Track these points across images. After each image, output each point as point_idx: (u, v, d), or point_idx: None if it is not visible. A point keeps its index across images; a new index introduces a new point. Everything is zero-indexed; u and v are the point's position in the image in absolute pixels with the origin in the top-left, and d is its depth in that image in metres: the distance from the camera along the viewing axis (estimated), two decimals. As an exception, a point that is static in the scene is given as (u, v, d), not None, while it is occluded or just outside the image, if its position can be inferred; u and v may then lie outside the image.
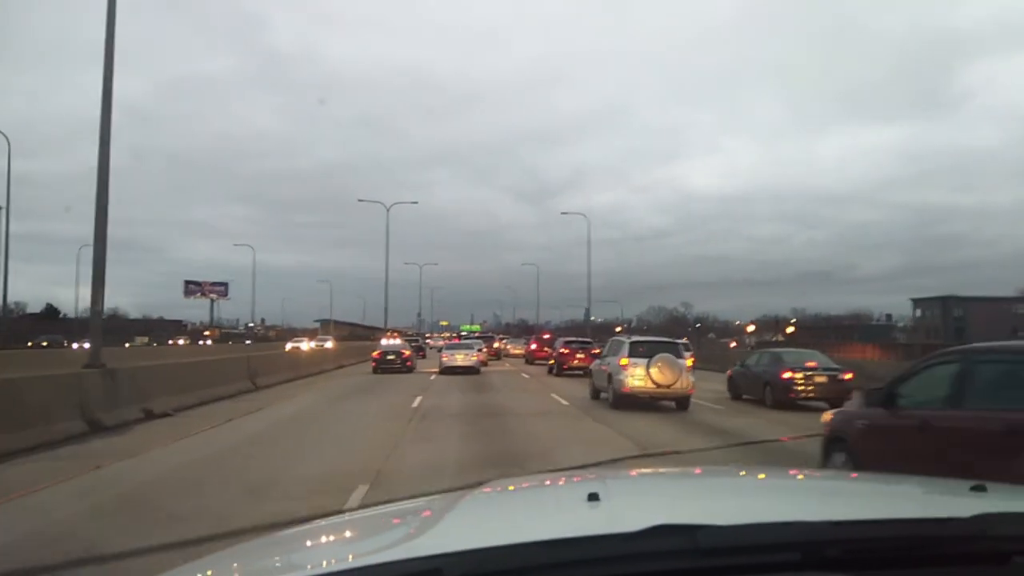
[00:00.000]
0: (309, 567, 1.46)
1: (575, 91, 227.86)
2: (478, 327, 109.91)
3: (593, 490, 1.63)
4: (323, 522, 2.20)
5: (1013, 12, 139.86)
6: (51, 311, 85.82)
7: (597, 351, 26.50)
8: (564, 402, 18.36)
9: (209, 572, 1.62)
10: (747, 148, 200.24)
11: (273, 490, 7.62)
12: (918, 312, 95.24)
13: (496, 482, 2.40)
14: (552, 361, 32.64)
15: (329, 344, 50.23)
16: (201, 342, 77.37)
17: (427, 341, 77.52)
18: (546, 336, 47.49)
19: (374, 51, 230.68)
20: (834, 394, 17.94)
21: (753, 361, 20.62)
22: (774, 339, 72.47)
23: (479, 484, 2.31)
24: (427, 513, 1.85)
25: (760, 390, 19.05)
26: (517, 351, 51.32)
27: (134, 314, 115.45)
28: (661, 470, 4.54)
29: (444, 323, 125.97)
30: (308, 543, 1.87)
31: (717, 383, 23.40)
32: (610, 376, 17.55)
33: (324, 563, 1.47)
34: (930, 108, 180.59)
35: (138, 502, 7.28)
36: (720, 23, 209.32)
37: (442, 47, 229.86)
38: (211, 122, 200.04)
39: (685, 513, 1.47)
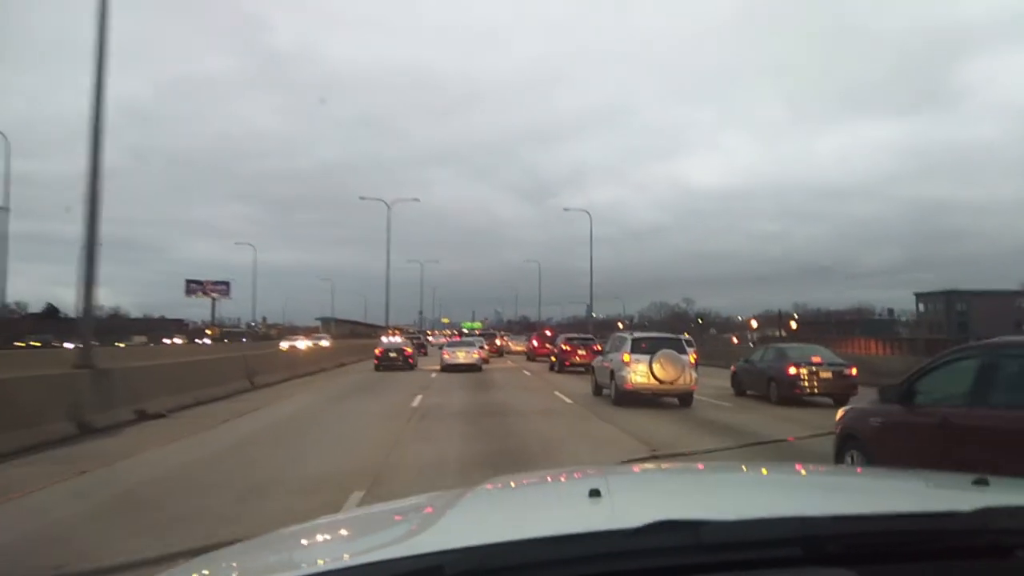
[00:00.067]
0: (311, 565, 1.44)
1: (575, 90, 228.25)
2: (479, 324, 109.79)
3: (594, 486, 1.62)
4: (324, 520, 2.15)
5: (1012, 8, 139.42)
6: (51, 311, 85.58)
7: (599, 347, 26.35)
8: (568, 400, 18.04)
9: (206, 572, 1.60)
10: (747, 145, 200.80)
11: (263, 497, 7.29)
12: (921, 306, 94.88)
13: (497, 479, 2.33)
14: (553, 358, 32.42)
15: (326, 343, 49.44)
16: (198, 341, 76.97)
17: (428, 339, 77.31)
18: (548, 333, 47.20)
19: (374, 51, 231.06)
20: (839, 390, 17.86)
21: (757, 357, 20.37)
22: (777, 334, 72.14)
23: (481, 482, 2.20)
24: (429, 510, 1.82)
25: (764, 386, 18.82)
26: (519, 348, 51.15)
27: (135, 313, 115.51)
28: (663, 465, 4.47)
29: (445, 320, 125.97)
30: (309, 541, 1.85)
31: (720, 379, 23.17)
32: (612, 373, 17.43)
33: (326, 561, 1.44)
34: (931, 103, 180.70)
35: (120, 510, 6.91)
36: (720, 21, 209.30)
37: (442, 47, 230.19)
38: (212, 122, 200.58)
39: (687, 508, 1.49)
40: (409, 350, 33.01)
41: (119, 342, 65.78)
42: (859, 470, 4.54)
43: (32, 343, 49.37)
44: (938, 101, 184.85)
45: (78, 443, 10.50)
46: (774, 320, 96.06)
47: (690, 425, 13.70)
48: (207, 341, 73.21)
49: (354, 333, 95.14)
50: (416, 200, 62.18)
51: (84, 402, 11.46)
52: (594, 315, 66.17)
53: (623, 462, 8.69)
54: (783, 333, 67.74)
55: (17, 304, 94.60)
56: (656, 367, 16.40)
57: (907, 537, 1.31)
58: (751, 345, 55.31)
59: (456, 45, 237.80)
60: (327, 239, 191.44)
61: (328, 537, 1.89)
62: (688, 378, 16.71)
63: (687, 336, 29.44)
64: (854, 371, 18.21)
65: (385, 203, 57.42)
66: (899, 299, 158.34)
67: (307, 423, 13.61)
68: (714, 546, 1.20)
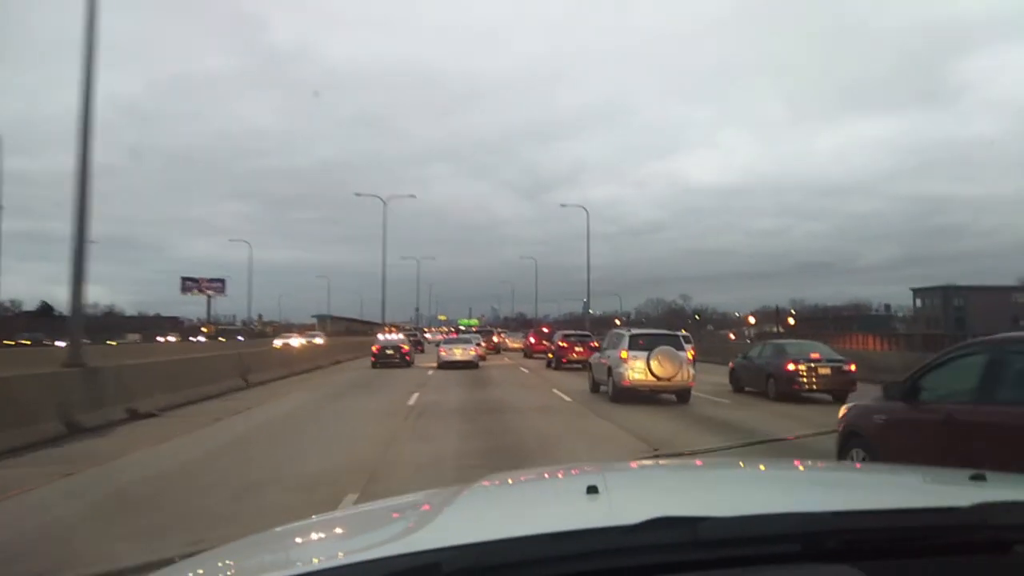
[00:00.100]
0: (307, 563, 1.41)
1: (574, 88, 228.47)
2: (476, 321, 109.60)
3: (592, 483, 1.61)
4: (320, 518, 2.12)
5: (1010, 5, 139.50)
6: (46, 309, 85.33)
7: (596, 344, 26.25)
8: (566, 397, 17.85)
9: (200, 571, 1.58)
10: (746, 143, 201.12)
11: (256, 497, 7.10)
12: (918, 302, 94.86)
13: (494, 476, 2.31)
14: (551, 355, 32.33)
15: (319, 340, 48.97)
16: (193, 339, 76.62)
17: (425, 336, 77.13)
18: (545, 330, 47.11)
19: (373, 49, 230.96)
20: (838, 386, 17.81)
21: (755, 353, 20.27)
22: (774, 330, 72.09)
23: (478, 467, 2.06)
24: (426, 507, 1.81)
25: (763, 382, 18.73)
26: (515, 345, 51.09)
27: (131, 311, 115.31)
28: (660, 462, 4.42)
29: (442, 317, 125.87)
30: (305, 539, 1.84)
31: (717, 375, 23.06)
32: (610, 369, 17.38)
33: (322, 558, 1.43)
34: (929, 101, 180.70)
35: (105, 514, 6.65)
36: (719, 19, 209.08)
37: (442, 45, 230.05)
38: (210, 121, 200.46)
39: (685, 505, 1.51)
40: (406, 347, 32.98)
41: (112, 340, 65.47)
42: (857, 465, 4.46)
43: (22, 341, 48.53)
44: (936, 98, 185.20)
45: (67, 443, 10.29)
46: (771, 316, 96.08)
47: (689, 422, 13.57)
48: (201, 339, 72.87)
49: (350, 330, 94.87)
50: (412, 197, 61.52)
51: (73, 401, 11.25)
52: (591, 312, 66.08)
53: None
54: (780, 329, 67.67)
55: (12, 302, 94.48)
56: (654, 364, 16.34)
57: (906, 533, 1.31)
58: (748, 341, 55.25)
59: (456, 43, 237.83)
60: (324, 237, 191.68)
61: (324, 535, 1.87)
62: (686, 375, 16.64)
63: (685, 333, 29.32)
64: (853, 367, 18.11)
65: (381, 199, 57.18)
66: (896, 295, 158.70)
67: (300, 422, 13.42)
68: (712, 542, 1.19)
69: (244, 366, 21.08)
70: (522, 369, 30.38)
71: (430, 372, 27.36)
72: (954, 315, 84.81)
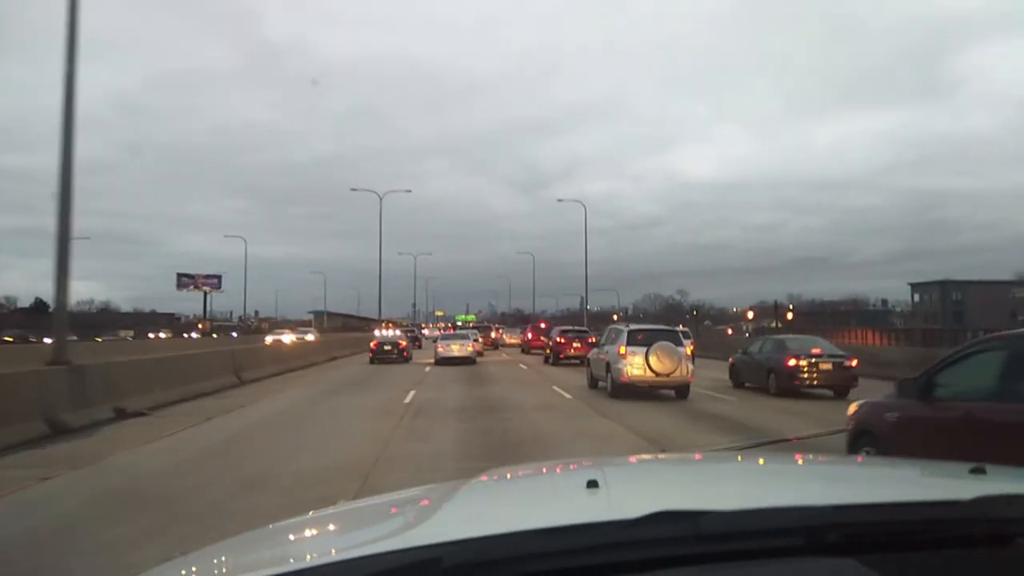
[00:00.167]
0: (306, 558, 1.38)
1: (570, 82, 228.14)
2: (473, 317, 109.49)
3: (592, 477, 1.59)
4: (318, 514, 2.07)
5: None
6: (40, 305, 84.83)
7: (593, 340, 26.06)
8: (566, 394, 17.50)
9: (194, 568, 1.56)
10: (742, 137, 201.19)
11: (242, 505, 6.71)
12: (916, 297, 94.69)
13: (494, 471, 2.28)
14: (548, 350, 32.15)
15: (311, 337, 48.40)
16: (186, 335, 76.15)
17: (423, 331, 76.87)
18: (542, 325, 46.91)
19: (369, 43, 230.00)
20: (839, 381, 17.68)
21: (756, 348, 20.04)
22: (772, 325, 71.88)
23: (477, 469, 2.07)
24: (425, 502, 1.80)
25: (763, 378, 18.53)
26: (513, 340, 50.92)
27: (126, 308, 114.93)
28: (660, 456, 4.24)
29: (439, 313, 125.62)
30: (303, 534, 1.82)
31: (716, 371, 22.86)
32: (608, 365, 17.26)
33: (322, 553, 1.42)
34: (926, 94, 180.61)
35: (75, 526, 6.20)
36: (715, 13, 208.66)
37: (437, 39, 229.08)
38: (206, 116, 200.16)
39: (685, 499, 1.47)
40: (404, 343, 33.40)
41: (102, 336, 65.02)
42: (859, 459, 4.35)
43: (5, 338, 47.28)
44: (934, 93, 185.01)
45: (49, 445, 9.96)
46: (769, 311, 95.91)
47: (693, 419, 13.31)
48: (195, 335, 72.41)
49: (347, 326, 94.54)
50: (408, 191, 61.55)
51: (57, 400, 10.92)
52: (588, 307, 65.88)
53: None
54: (779, 324, 67.46)
55: (7, 299, 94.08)
56: (653, 359, 16.27)
57: (907, 526, 1.31)
58: (747, 336, 55.10)
59: (451, 37, 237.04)
60: (321, 232, 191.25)
61: (323, 531, 1.86)
62: (685, 370, 16.55)
63: (684, 328, 29.12)
64: (854, 362, 17.88)
65: (376, 194, 56.80)
66: (893, 289, 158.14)
67: (290, 423, 13.00)
68: (714, 536, 1.19)
69: (237, 363, 20.78)
70: (520, 365, 30.12)
71: (427, 368, 27.10)
72: (952, 309, 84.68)
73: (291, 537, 1.78)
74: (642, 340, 16.63)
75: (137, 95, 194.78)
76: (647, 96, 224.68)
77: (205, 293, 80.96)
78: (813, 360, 17.50)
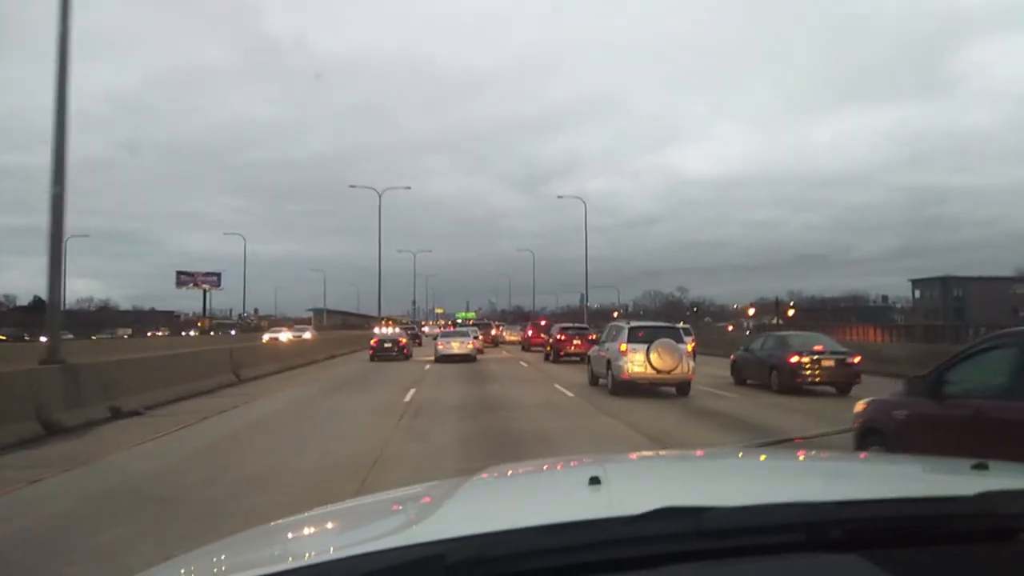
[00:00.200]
0: (309, 555, 1.38)
1: (570, 80, 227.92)
2: (473, 314, 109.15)
3: (594, 474, 1.59)
4: (320, 511, 2.04)
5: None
6: (39, 304, 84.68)
7: (594, 337, 25.98)
8: (568, 393, 17.29)
9: (195, 566, 1.54)
10: (741, 133, 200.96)
11: (230, 511, 6.40)
12: (917, 293, 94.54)
13: (495, 467, 2.22)
14: (548, 348, 32.04)
15: (308, 335, 47.99)
16: (184, 333, 75.86)
17: (423, 329, 76.74)
18: (542, 322, 46.80)
19: (369, 40, 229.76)
20: (842, 378, 17.57)
21: (758, 345, 19.92)
22: (772, 322, 71.77)
23: (478, 471, 2.07)
24: (426, 499, 1.79)
25: (765, 375, 18.40)
26: (513, 338, 50.79)
27: (126, 306, 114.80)
28: (661, 453, 4.37)
29: (439, 310, 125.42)
30: (306, 531, 1.81)
31: (717, 368, 22.76)
32: (609, 362, 17.21)
33: (323, 551, 1.41)
34: (926, 91, 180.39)
35: (65, 529, 5.98)
36: (714, 9, 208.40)
37: (436, 35, 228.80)
38: (205, 113, 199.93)
39: (687, 495, 1.48)
40: (404, 340, 33.59)
41: (101, 334, 64.74)
42: (861, 456, 4.26)
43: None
44: (934, 89, 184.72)
45: (42, 445, 9.79)
46: (769, 308, 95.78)
47: (697, 417, 13.18)
48: (192, 333, 72.13)
49: (347, 324, 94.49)
50: (407, 188, 61.27)
51: (51, 400, 10.75)
52: (588, 304, 65.74)
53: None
54: (780, 321, 67.36)
55: (6, 297, 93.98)
56: (654, 356, 16.24)
57: (910, 522, 1.30)
58: (747, 333, 54.96)
59: (451, 34, 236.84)
60: (320, 230, 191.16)
61: (325, 527, 1.85)
62: (686, 367, 16.53)
63: (685, 325, 29.00)
64: (857, 359, 17.73)
65: (375, 191, 56.67)
66: (892, 286, 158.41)
67: (287, 423, 12.77)
68: (716, 532, 1.18)
69: (235, 361, 20.62)
70: (521, 363, 29.99)
71: (427, 366, 26.96)
72: (953, 306, 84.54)
73: (293, 534, 1.77)
74: (643, 337, 16.59)
75: (136, 93, 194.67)
76: (647, 93, 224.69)
77: (204, 291, 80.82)
78: (815, 357, 17.40)
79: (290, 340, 39.00)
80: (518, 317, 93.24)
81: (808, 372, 17.26)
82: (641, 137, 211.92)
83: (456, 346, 30.13)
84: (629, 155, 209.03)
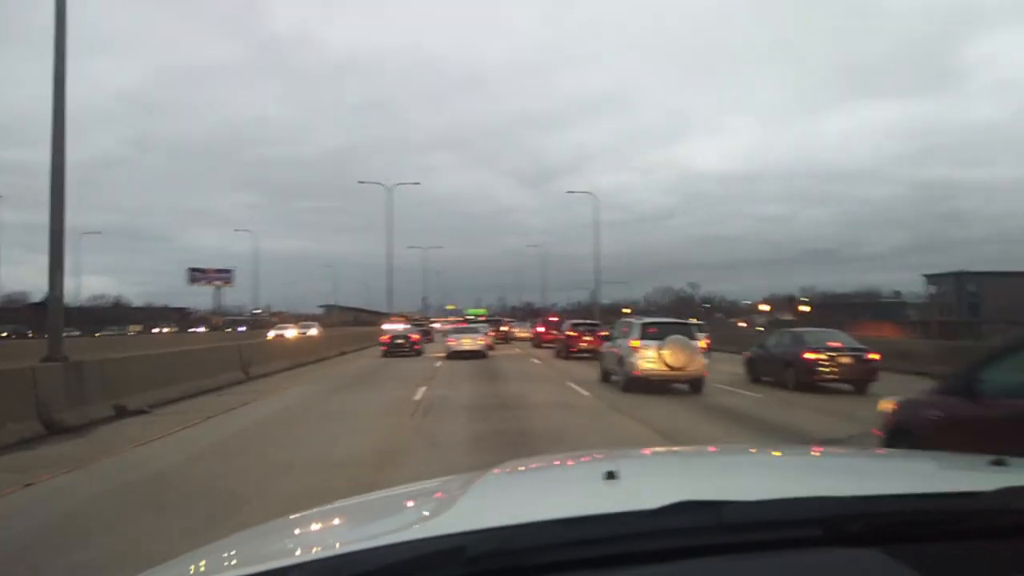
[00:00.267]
0: (328, 547, 1.37)
1: (578, 73, 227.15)
2: (484, 311, 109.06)
3: (608, 468, 1.57)
4: (336, 504, 2.00)
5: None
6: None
7: (605, 333, 25.76)
8: (583, 391, 16.81)
9: (217, 557, 1.50)
10: (752, 127, 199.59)
11: (229, 521, 5.88)
12: (931, 288, 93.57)
13: (507, 464, 2.20)
14: (559, 344, 31.77)
15: (313, 332, 47.63)
16: (192, 330, 75.94)
17: (434, 325, 76.68)
18: (553, 319, 46.49)
19: (377, 35, 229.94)
20: (860, 375, 17.23)
21: (773, 342, 19.55)
22: (786, 318, 71.29)
23: (489, 467, 2.03)
24: (439, 495, 1.79)
25: (781, 372, 18.06)
26: (523, 334, 50.51)
27: (138, 302, 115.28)
28: (675, 448, 4.28)
29: (450, 307, 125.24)
30: (325, 523, 1.81)
31: (730, 364, 22.50)
32: (621, 359, 17.00)
33: (344, 543, 1.37)
34: (936, 83, 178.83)
35: (53, 540, 5.62)
36: (724, 3, 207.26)
37: (445, 31, 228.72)
38: (214, 110, 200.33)
39: (705, 490, 1.47)
40: (416, 336, 33.86)
41: (112, 331, 64.90)
42: (878, 451, 4.07)
43: (1, 334, 45.75)
44: (945, 81, 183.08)
45: (42, 445, 9.58)
46: (782, 304, 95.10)
47: (715, 416, 12.88)
48: (201, 329, 72.19)
49: (358, 320, 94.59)
50: (416, 184, 60.63)
51: (53, 398, 10.55)
52: (599, 300, 65.42)
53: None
54: (793, 317, 66.83)
55: (19, 294, 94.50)
56: (666, 353, 16.05)
57: (929, 517, 1.29)
58: (759, 329, 54.47)
59: (458, 28, 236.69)
60: (330, 226, 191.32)
61: (345, 520, 1.84)
62: (698, 364, 16.36)
63: (699, 321, 28.69)
64: (875, 355, 17.34)
65: (384, 186, 56.59)
66: (905, 281, 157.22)
67: (294, 422, 12.42)
68: (737, 526, 1.18)
69: (244, 358, 20.46)
70: (533, 360, 29.71)
71: (438, 363, 26.72)
72: (968, 301, 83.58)
73: (314, 526, 1.78)
74: (655, 334, 16.42)
75: (147, 90, 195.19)
76: (656, 88, 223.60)
77: (216, 288, 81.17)
78: (832, 353, 17.05)
79: (295, 337, 39.03)
80: (528, 313, 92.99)
81: (825, 369, 16.91)
82: (651, 132, 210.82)
83: (467, 343, 29.96)
84: (639, 150, 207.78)
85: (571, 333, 30.53)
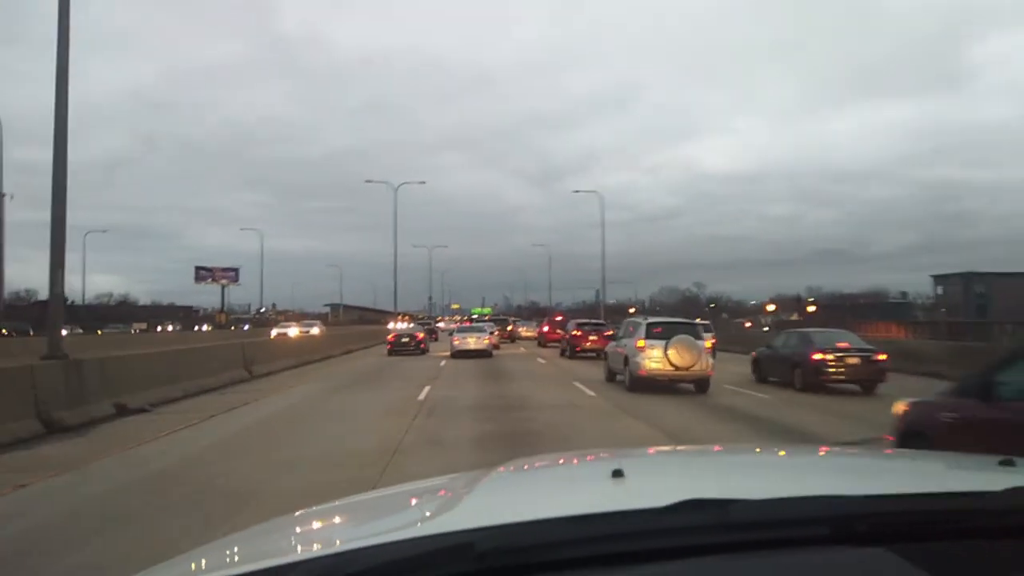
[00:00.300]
0: (336, 543, 1.39)
1: (587, 74, 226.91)
2: (489, 310, 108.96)
3: (615, 467, 1.57)
4: (343, 501, 1.98)
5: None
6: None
7: (610, 333, 25.68)
8: (589, 391, 16.63)
9: (204, 560, 1.50)
10: (759, 128, 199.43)
11: (225, 526, 5.66)
12: (939, 289, 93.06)
13: (512, 462, 2.18)
14: (564, 343, 31.66)
15: (315, 330, 47.56)
16: (197, 328, 75.89)
17: (439, 324, 76.64)
18: (558, 318, 46.35)
19: (385, 36, 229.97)
20: (868, 376, 17.07)
21: (780, 342, 19.39)
22: (793, 319, 70.99)
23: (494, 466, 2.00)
24: (443, 493, 1.79)
25: (788, 372, 17.90)
26: (529, 333, 50.46)
27: (145, 300, 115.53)
28: (681, 448, 4.27)
29: (455, 306, 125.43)
30: (332, 520, 1.82)
31: (736, 365, 22.35)
32: (626, 359, 16.90)
33: (352, 539, 1.36)
34: (944, 84, 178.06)
35: (40, 546, 5.44)
36: (731, 3, 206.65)
37: (453, 31, 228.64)
38: (222, 109, 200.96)
39: (711, 488, 1.43)
40: (421, 335, 34.24)
41: (118, 328, 64.92)
42: (886, 451, 4.03)
43: (1, 332, 45.37)
44: (953, 81, 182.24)
45: (40, 445, 9.47)
46: (788, 304, 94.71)
47: (721, 416, 12.75)
48: (206, 328, 72.14)
49: (363, 319, 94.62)
50: (423, 183, 60.31)
51: (52, 397, 10.45)
52: (604, 300, 65.18)
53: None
54: (800, 317, 66.50)
55: (27, 292, 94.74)
56: (672, 353, 15.96)
57: (936, 517, 1.29)
58: (765, 330, 54.21)
59: (466, 29, 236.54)
60: (337, 225, 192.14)
61: (351, 517, 1.84)
62: (704, 364, 16.26)
63: (704, 321, 28.54)
64: (884, 357, 17.15)
65: (391, 185, 56.48)
66: (912, 282, 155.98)
67: (296, 422, 12.31)
68: (744, 525, 1.18)
69: (247, 357, 20.37)
70: (538, 359, 29.56)
71: (443, 362, 26.60)
72: (976, 302, 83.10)
73: (317, 524, 1.78)
74: (660, 333, 16.35)
75: (156, 89, 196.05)
76: (663, 88, 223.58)
77: (223, 286, 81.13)
78: (840, 354, 16.88)
79: (298, 335, 39.19)
80: (534, 313, 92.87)
81: (832, 370, 16.75)
82: (657, 132, 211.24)
83: (472, 342, 29.83)
84: (646, 150, 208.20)
85: (576, 332, 30.45)
